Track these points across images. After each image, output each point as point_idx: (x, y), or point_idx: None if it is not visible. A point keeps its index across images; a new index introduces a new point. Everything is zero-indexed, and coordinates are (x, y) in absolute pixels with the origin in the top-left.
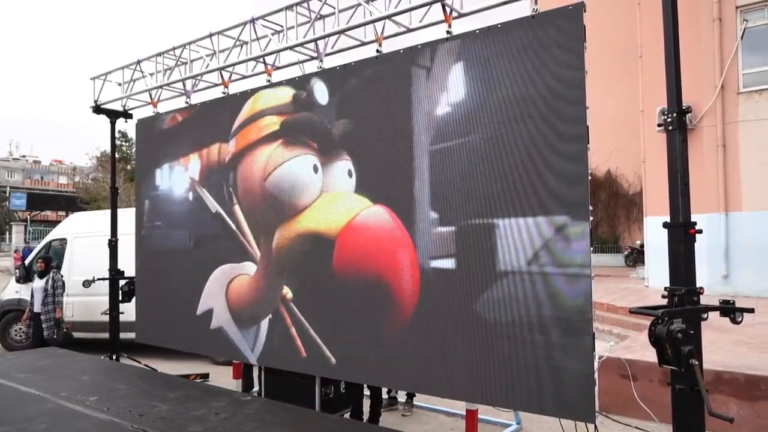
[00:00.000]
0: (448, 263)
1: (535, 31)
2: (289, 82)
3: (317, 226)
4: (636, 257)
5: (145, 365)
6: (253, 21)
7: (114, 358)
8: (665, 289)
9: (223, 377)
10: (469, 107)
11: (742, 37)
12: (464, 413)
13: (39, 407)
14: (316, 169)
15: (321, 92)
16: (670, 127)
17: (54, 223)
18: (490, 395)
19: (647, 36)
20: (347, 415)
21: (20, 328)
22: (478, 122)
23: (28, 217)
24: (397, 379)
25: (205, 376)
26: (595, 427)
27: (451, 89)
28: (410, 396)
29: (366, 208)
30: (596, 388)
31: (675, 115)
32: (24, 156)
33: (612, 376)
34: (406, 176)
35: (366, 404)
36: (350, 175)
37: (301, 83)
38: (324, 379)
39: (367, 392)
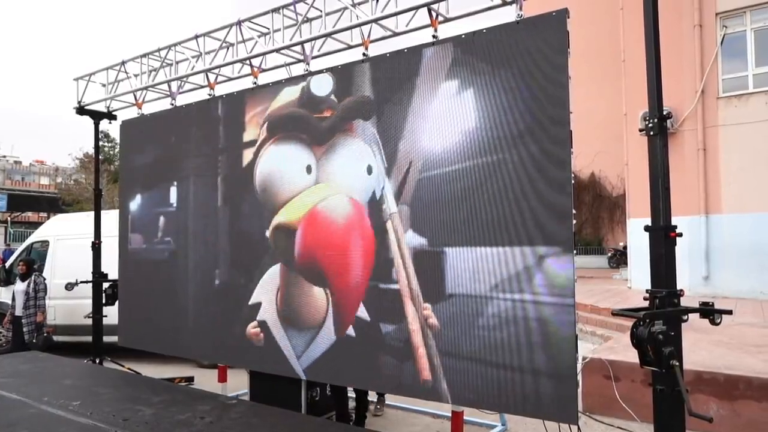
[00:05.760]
0: (437, 269)
1: (520, 37)
2: None
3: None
4: (619, 259)
5: (128, 369)
6: (239, 23)
7: (97, 361)
8: (647, 291)
9: (209, 381)
10: (450, 112)
11: (721, 43)
12: (450, 415)
13: (20, 412)
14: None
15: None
16: (651, 132)
17: (35, 225)
18: (476, 398)
19: (630, 41)
20: (333, 418)
21: (0, 332)
22: (460, 126)
23: (9, 218)
24: (384, 382)
25: (190, 379)
26: (578, 428)
27: (438, 93)
28: (381, 394)
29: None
30: (580, 389)
31: (656, 120)
32: (4, 156)
33: (595, 376)
34: None
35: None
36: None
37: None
38: (309, 382)
39: (352, 394)
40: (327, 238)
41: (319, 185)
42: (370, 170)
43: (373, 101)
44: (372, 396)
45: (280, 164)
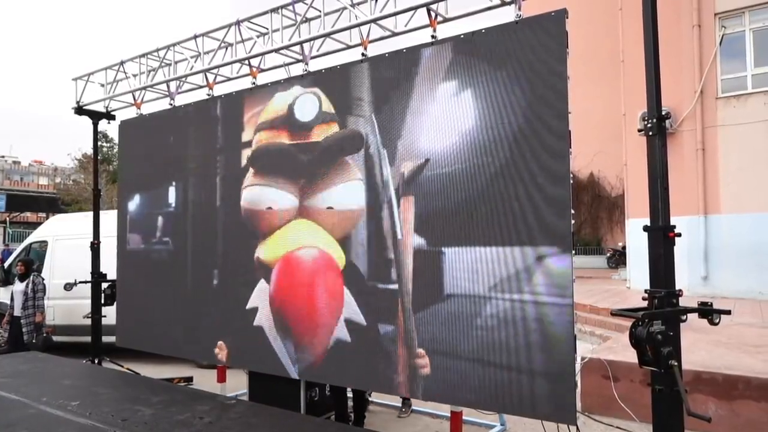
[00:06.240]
0: (437, 269)
1: (519, 37)
2: None
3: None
4: (618, 259)
5: (127, 369)
6: (238, 23)
7: (96, 361)
8: (646, 291)
9: (208, 381)
10: (449, 113)
11: (720, 44)
12: (449, 415)
13: (19, 413)
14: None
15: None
16: (650, 133)
17: (34, 225)
18: (474, 398)
19: (629, 41)
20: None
21: None
22: (458, 127)
23: (7, 218)
24: (383, 384)
25: (189, 379)
26: (577, 428)
27: (436, 94)
28: (406, 398)
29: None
30: (578, 389)
31: (655, 120)
32: (3, 156)
33: (594, 376)
34: None
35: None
36: None
37: None
38: (309, 382)
39: (349, 394)
40: (294, 289)
41: (299, 221)
42: (364, 187)
43: (364, 116)
44: (397, 401)
45: (261, 196)
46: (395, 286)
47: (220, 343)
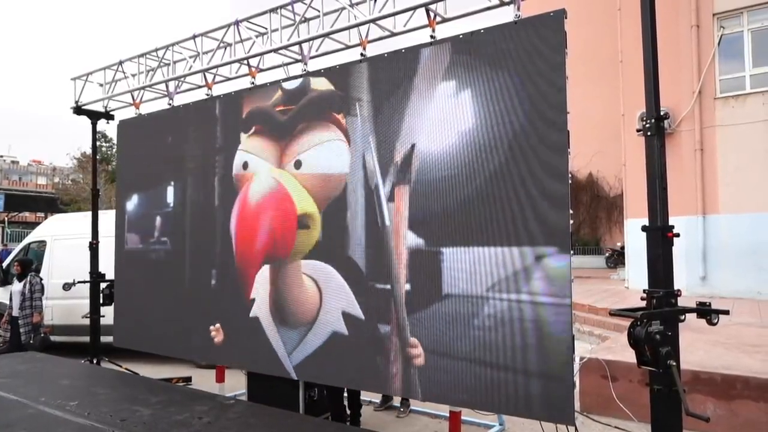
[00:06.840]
0: (434, 269)
1: (518, 37)
2: None
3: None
4: (617, 259)
5: (126, 369)
6: (237, 23)
7: (94, 361)
8: (644, 291)
9: (206, 381)
10: (448, 113)
11: (719, 44)
12: (448, 415)
13: (18, 413)
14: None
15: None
16: (649, 133)
17: (33, 225)
18: (472, 399)
19: (628, 41)
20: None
21: None
22: (456, 127)
23: (6, 218)
24: (383, 385)
25: (188, 379)
26: (576, 428)
27: (435, 94)
28: (405, 398)
29: None
30: (577, 389)
31: (653, 121)
32: (2, 156)
33: (593, 376)
34: None
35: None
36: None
37: None
38: (307, 383)
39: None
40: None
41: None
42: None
43: (351, 97)
44: (396, 401)
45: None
46: (393, 285)
47: (216, 325)
